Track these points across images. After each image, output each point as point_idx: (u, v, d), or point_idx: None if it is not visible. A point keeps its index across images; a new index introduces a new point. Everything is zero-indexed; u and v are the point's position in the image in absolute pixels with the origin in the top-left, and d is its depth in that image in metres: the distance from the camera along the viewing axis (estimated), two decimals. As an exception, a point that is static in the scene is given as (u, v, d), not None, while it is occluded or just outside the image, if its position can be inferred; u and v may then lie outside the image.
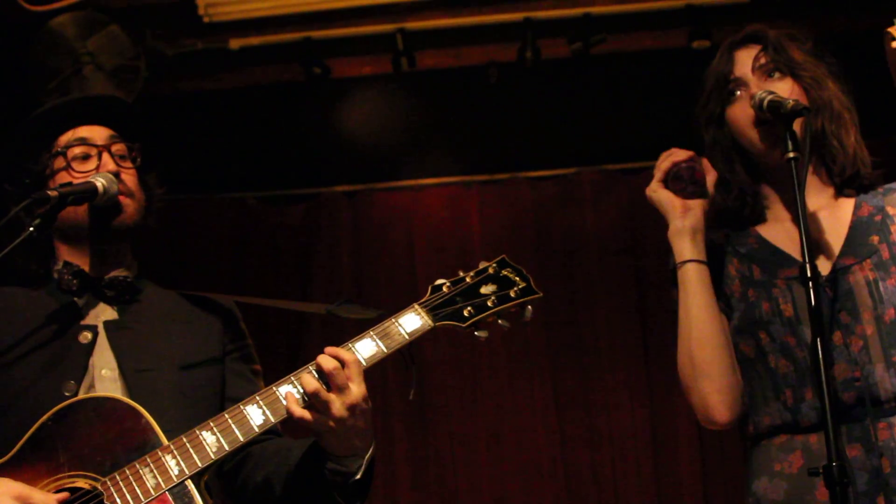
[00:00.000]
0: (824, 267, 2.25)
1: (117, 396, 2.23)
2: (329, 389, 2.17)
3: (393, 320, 2.33)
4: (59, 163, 2.50)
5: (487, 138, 5.92)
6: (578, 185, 6.03)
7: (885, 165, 2.42)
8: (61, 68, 5.02)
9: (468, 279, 2.40)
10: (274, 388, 2.23)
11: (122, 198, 2.46)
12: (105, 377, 2.34)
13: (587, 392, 5.79)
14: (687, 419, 5.66)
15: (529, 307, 2.40)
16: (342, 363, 2.18)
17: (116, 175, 2.46)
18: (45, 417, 2.18)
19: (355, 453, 2.24)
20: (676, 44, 5.49)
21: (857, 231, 2.32)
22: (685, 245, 2.39)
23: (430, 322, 2.32)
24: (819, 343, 2.01)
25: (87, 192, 2.37)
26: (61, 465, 2.14)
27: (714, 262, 2.43)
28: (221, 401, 2.45)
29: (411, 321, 2.32)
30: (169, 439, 2.16)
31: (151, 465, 2.12)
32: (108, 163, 2.48)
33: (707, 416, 2.36)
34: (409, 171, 6.07)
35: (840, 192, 2.39)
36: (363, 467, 2.24)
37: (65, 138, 2.52)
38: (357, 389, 2.18)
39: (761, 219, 2.45)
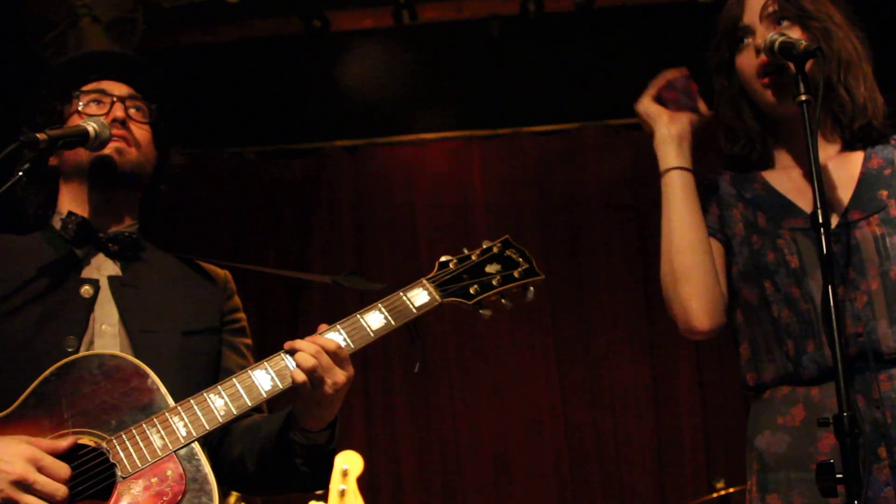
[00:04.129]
0: (832, 220, 2.22)
1: (122, 354, 2.20)
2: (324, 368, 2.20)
3: (401, 294, 2.34)
4: (73, 107, 2.47)
5: (489, 93, 5.88)
6: (581, 141, 6.00)
7: (890, 118, 2.38)
8: (58, 21, 4.97)
9: (474, 257, 2.43)
10: (282, 355, 2.23)
11: (122, 144, 2.43)
12: (105, 332, 2.30)
13: (589, 347, 5.80)
14: (689, 374, 5.67)
15: (532, 288, 2.43)
16: (328, 349, 2.20)
17: (123, 122, 2.43)
18: (48, 372, 2.14)
19: (326, 427, 2.29)
20: (682, -3, 5.44)
21: (866, 184, 2.29)
22: (670, 152, 2.38)
23: (437, 298, 2.34)
24: (830, 290, 1.98)
25: (78, 136, 2.31)
26: (65, 421, 2.11)
27: (719, 201, 2.41)
28: (217, 371, 2.45)
29: (420, 296, 2.34)
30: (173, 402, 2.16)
31: (158, 425, 2.11)
32: (118, 110, 2.45)
33: (687, 324, 2.33)
34: (411, 125, 6.04)
35: (849, 146, 2.35)
36: (334, 438, 2.30)
37: (86, 88, 2.50)
38: (348, 371, 2.23)
39: (769, 165, 2.42)
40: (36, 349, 2.23)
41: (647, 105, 2.43)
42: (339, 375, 2.20)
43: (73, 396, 2.13)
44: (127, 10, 5.03)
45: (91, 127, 2.32)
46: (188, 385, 2.23)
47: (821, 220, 2.02)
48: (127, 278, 2.40)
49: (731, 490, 4.63)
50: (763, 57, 2.27)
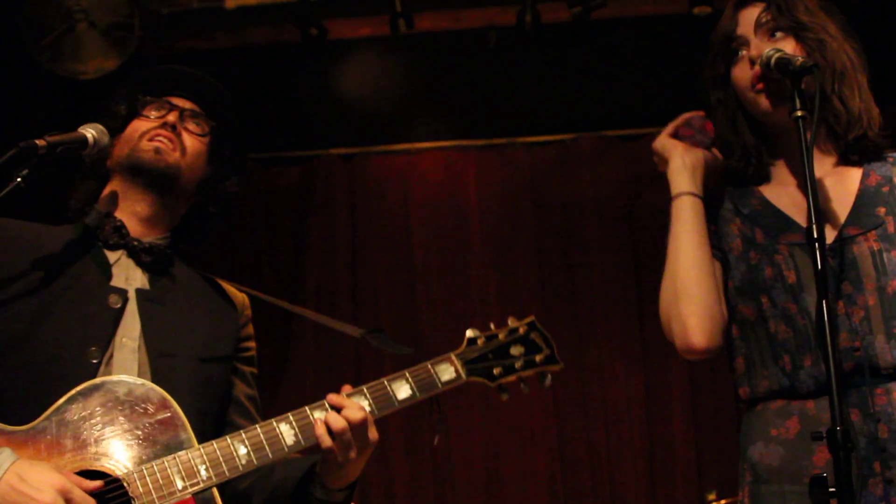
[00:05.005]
0: (829, 235, 2.22)
1: (152, 385, 2.21)
2: (351, 432, 2.26)
3: (429, 367, 2.42)
4: (135, 110, 2.51)
5: (485, 102, 5.88)
6: (576, 151, 6.01)
7: (886, 129, 2.39)
8: (54, 25, 4.97)
9: (501, 336, 2.51)
10: (307, 411, 2.27)
11: (162, 144, 2.43)
12: (125, 346, 2.29)
13: (581, 358, 5.80)
14: (681, 387, 5.67)
15: (549, 375, 2.53)
16: (354, 421, 2.25)
17: (173, 127, 2.46)
18: (74, 391, 2.14)
19: (346, 487, 2.35)
20: (677, 10, 5.45)
21: (864, 201, 2.29)
22: (683, 178, 2.40)
23: (463, 376, 2.44)
24: (824, 305, 1.98)
25: (77, 142, 2.32)
26: (88, 444, 2.11)
27: (716, 217, 2.42)
28: (228, 400, 2.45)
29: (447, 371, 2.43)
30: None
31: (180, 465, 2.13)
32: (171, 116, 2.47)
33: (685, 341, 2.31)
34: (406, 134, 6.04)
35: (845, 159, 2.36)
36: (351, 498, 2.38)
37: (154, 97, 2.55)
38: (373, 437, 2.31)
39: (765, 179, 2.42)
40: (59, 356, 2.22)
41: (663, 140, 2.47)
42: (365, 441, 2.27)
43: (98, 420, 2.14)
44: (124, 16, 5.03)
45: (90, 133, 2.33)
46: (201, 413, 2.26)
47: (815, 236, 2.02)
48: (153, 293, 2.39)
49: (724, 502, 4.63)
50: (757, 69, 2.28)
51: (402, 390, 2.36)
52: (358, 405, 2.27)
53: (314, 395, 2.30)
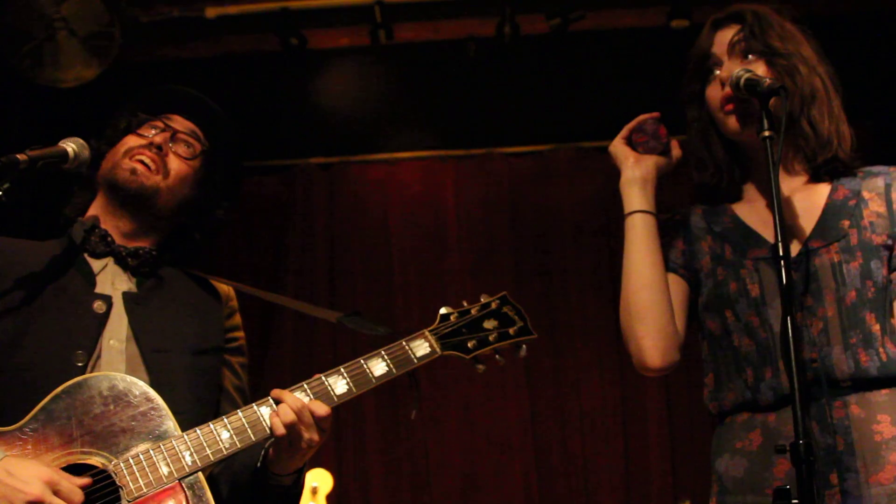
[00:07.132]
0: (793, 249, 2.27)
1: (133, 378, 2.25)
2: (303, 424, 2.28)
3: (404, 344, 2.44)
4: (131, 127, 2.55)
5: (464, 113, 5.92)
6: (554, 162, 6.05)
7: (859, 150, 2.42)
8: (34, 34, 4.96)
9: (473, 311, 2.54)
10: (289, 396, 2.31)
11: (138, 165, 2.46)
12: (112, 347, 2.33)
13: (558, 369, 5.83)
14: (656, 397, 5.71)
15: (524, 346, 2.58)
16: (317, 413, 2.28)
17: (159, 148, 2.48)
18: (59, 389, 2.18)
19: (293, 472, 2.38)
20: (656, 23, 5.50)
21: (830, 214, 2.33)
22: (634, 195, 2.45)
23: (437, 350, 2.47)
24: (789, 322, 2.02)
25: (57, 156, 2.34)
26: (74, 439, 2.15)
27: (687, 236, 2.45)
28: (219, 390, 2.50)
29: (421, 347, 2.46)
30: (179, 423, 2.22)
31: (165, 452, 2.17)
32: (158, 137, 2.49)
33: (640, 361, 2.40)
34: (385, 144, 6.07)
35: (816, 178, 2.40)
36: (300, 482, 2.41)
37: (154, 115, 2.58)
38: (327, 431, 2.32)
39: (737, 197, 2.47)
40: (45, 362, 2.26)
41: (616, 147, 2.51)
42: (316, 435, 2.28)
43: (83, 416, 2.18)
44: (104, 24, 5.02)
45: (70, 147, 2.35)
46: (198, 403, 2.33)
47: (781, 254, 2.05)
48: (140, 295, 2.44)
49: (697, 511, 4.66)
50: (727, 90, 2.32)
51: (379, 367, 2.39)
52: (318, 405, 2.29)
53: (294, 380, 2.35)
